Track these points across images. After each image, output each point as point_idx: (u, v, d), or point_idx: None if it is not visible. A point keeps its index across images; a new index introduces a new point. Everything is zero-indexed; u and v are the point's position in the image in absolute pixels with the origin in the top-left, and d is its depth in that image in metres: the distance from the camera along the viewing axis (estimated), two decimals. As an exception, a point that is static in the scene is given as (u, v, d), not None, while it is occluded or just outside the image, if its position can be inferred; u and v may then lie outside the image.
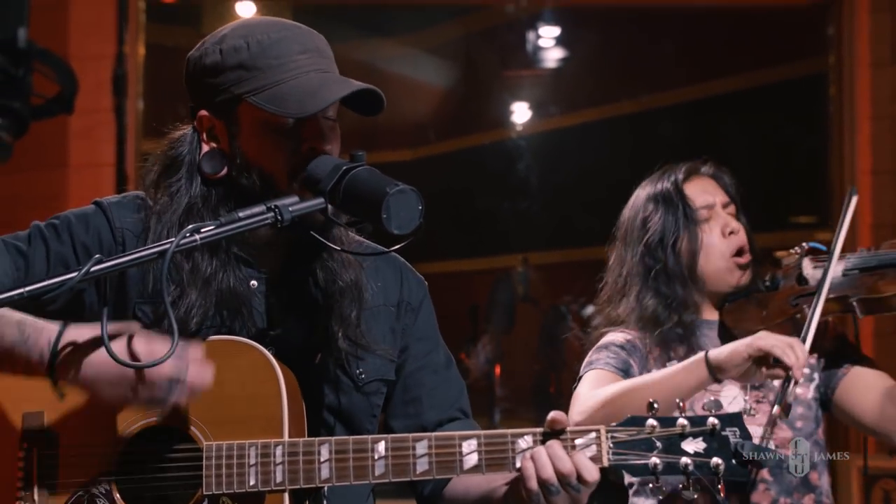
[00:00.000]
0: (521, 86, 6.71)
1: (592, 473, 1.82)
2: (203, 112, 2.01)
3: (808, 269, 2.62)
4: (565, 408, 2.40)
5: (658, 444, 1.83)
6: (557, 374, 6.43)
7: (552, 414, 1.87)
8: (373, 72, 6.18)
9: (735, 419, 1.86)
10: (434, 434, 1.90)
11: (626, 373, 2.62)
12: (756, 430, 2.51)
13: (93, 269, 1.70)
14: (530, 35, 6.25)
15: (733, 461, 1.83)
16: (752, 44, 6.03)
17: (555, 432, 1.86)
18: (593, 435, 1.85)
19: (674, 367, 2.50)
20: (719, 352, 2.43)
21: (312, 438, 1.88)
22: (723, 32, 6.03)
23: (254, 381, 1.88)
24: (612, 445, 1.84)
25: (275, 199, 1.82)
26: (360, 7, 5.92)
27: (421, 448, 1.86)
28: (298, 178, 1.92)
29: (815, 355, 2.68)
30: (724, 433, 1.83)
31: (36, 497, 1.89)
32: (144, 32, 4.98)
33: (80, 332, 1.80)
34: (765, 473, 2.58)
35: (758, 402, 2.64)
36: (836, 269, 2.56)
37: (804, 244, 2.67)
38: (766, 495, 2.59)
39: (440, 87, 6.91)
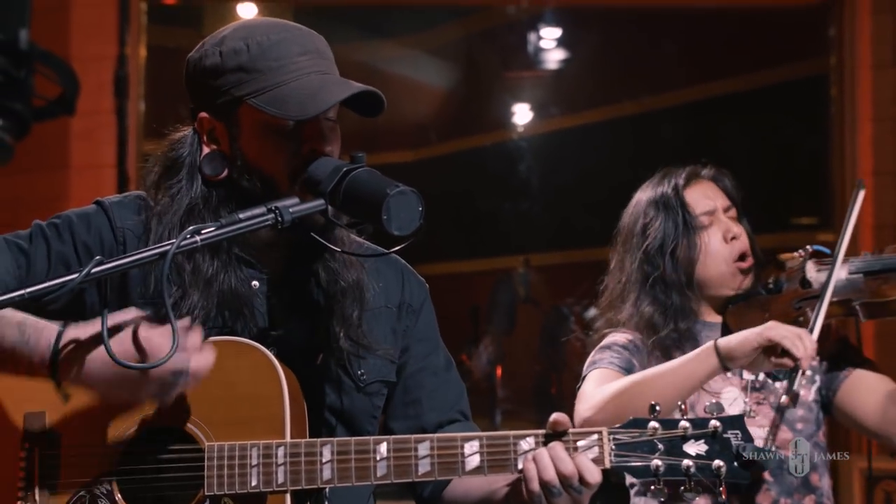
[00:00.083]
0: (522, 87, 6.70)
1: (594, 475, 1.83)
2: (203, 114, 2.00)
3: (812, 272, 2.62)
4: (567, 409, 2.40)
5: (660, 446, 1.84)
6: (559, 376, 6.42)
7: (554, 415, 1.87)
8: (373, 73, 6.18)
9: (737, 421, 1.86)
10: (436, 435, 1.90)
11: (629, 372, 2.62)
12: (756, 432, 2.51)
13: (94, 270, 1.70)
14: (531, 36, 6.24)
15: (735, 463, 1.83)
16: (753, 45, 6.02)
17: (557, 434, 1.86)
18: (595, 437, 1.85)
19: (683, 358, 2.50)
20: (729, 340, 2.43)
21: (314, 439, 1.88)
22: (724, 33, 6.02)
23: (255, 382, 1.88)
24: (613, 447, 1.84)
25: (275, 201, 1.82)
26: (360, 8, 5.92)
27: (423, 449, 1.86)
28: (299, 179, 1.92)
29: (817, 358, 2.67)
30: (725, 435, 1.84)
31: (37, 497, 1.89)
32: (146, 34, 4.99)
33: (81, 332, 1.80)
34: (765, 474, 2.58)
35: (758, 403, 2.64)
36: (840, 272, 2.56)
37: (808, 247, 2.67)
38: (767, 496, 2.59)
39: (441, 88, 6.91)
